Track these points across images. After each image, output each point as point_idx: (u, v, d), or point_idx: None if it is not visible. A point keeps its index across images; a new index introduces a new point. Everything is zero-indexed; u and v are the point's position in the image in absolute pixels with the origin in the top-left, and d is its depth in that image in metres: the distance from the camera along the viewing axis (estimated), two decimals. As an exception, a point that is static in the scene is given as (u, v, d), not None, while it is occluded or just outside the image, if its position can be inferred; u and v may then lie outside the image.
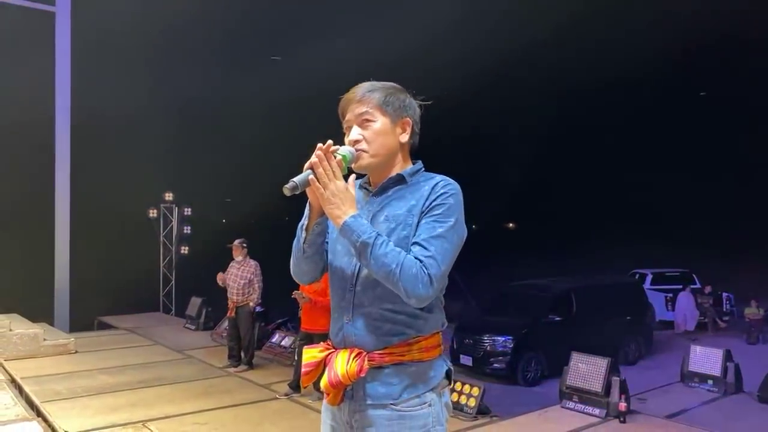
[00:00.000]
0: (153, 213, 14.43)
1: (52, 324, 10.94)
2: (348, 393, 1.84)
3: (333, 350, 1.87)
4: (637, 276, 16.45)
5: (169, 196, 14.53)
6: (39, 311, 10.81)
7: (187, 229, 14.61)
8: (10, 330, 8.58)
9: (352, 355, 1.78)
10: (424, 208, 1.79)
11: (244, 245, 8.28)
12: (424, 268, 1.68)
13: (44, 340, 8.86)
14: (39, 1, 11.54)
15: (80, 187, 12.10)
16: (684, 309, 14.45)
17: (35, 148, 12.33)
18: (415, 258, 1.69)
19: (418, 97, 1.97)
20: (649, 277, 16.37)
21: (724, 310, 15.21)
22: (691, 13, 17.14)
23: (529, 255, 24.52)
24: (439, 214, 1.76)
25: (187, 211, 14.65)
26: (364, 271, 1.81)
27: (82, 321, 11.95)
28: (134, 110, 14.90)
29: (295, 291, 6.51)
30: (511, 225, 44.56)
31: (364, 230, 1.70)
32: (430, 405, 1.81)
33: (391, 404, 1.79)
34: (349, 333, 1.83)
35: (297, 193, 1.73)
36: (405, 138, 1.89)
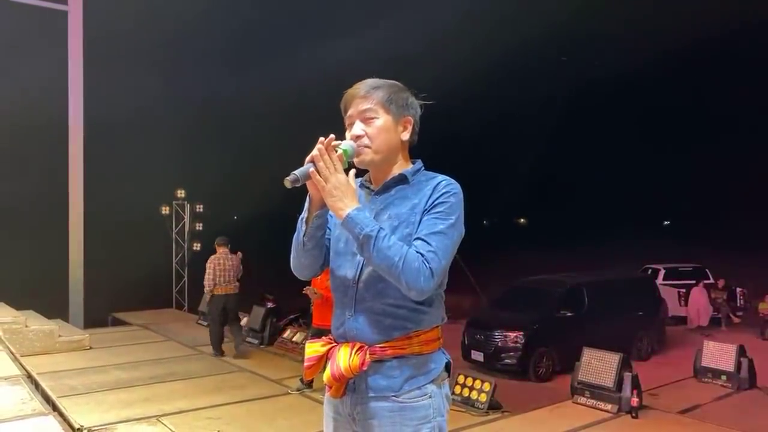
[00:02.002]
0: (165, 210, 14.51)
1: (66, 320, 11.04)
2: (350, 386, 1.87)
3: (335, 344, 1.91)
4: (649, 271, 16.32)
5: (181, 193, 14.60)
6: (54, 308, 10.93)
7: (199, 226, 14.70)
8: (26, 326, 8.68)
9: (354, 348, 1.82)
10: (426, 206, 1.82)
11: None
12: (426, 262, 1.71)
13: (59, 336, 8.96)
14: (51, 0, 11.61)
15: (93, 184, 12.19)
16: (697, 304, 14.33)
17: (49, 146, 12.44)
18: (417, 252, 1.72)
19: (419, 96, 1.99)
20: (662, 272, 16.25)
21: (738, 305, 15.05)
22: (698, 10, 17.01)
23: (541, 250, 24.45)
24: (441, 211, 1.80)
25: (199, 208, 14.72)
26: (367, 269, 1.84)
27: (96, 317, 12.06)
28: (146, 108, 15.01)
29: (307, 287, 6.53)
30: (522, 220, 44.45)
31: (367, 223, 1.73)
32: (430, 396, 1.85)
33: (393, 396, 1.83)
34: (350, 328, 1.86)
35: (297, 185, 1.75)
36: (406, 136, 1.92)
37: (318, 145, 1.74)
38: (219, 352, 8.96)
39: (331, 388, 1.89)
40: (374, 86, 1.89)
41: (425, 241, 1.75)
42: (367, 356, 1.80)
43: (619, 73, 22.23)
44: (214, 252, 9.12)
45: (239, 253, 9.35)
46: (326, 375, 1.86)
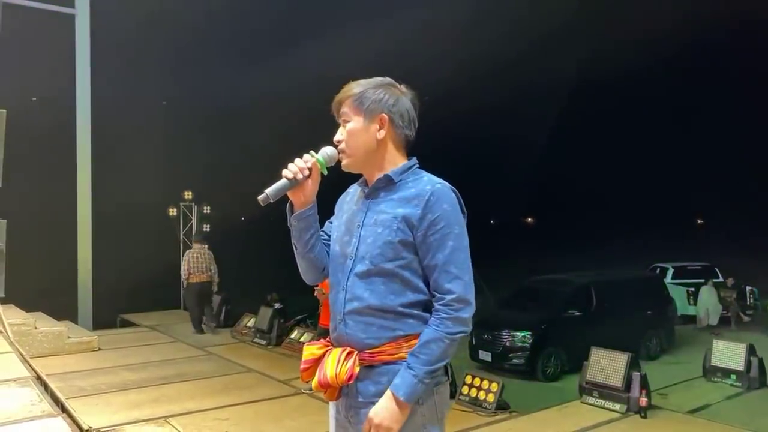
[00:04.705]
0: (173, 212, 14.55)
1: (75, 322, 11.10)
2: (344, 389, 1.87)
3: (331, 347, 1.90)
4: (658, 270, 16.22)
5: (188, 195, 14.63)
6: (63, 310, 10.98)
7: (206, 228, 14.72)
8: (36, 328, 8.73)
9: (343, 354, 1.82)
10: (417, 221, 1.79)
11: None
12: (453, 308, 1.76)
13: (68, 337, 9.01)
14: (59, 4, 11.67)
15: (101, 186, 12.24)
16: (706, 303, 14.24)
17: (57, 148, 12.50)
18: (439, 307, 1.78)
19: (410, 87, 1.94)
20: (671, 271, 16.14)
21: (748, 303, 14.94)
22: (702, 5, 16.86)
23: (549, 249, 24.38)
24: (443, 226, 1.77)
25: (207, 210, 14.75)
26: (356, 271, 1.84)
27: (104, 319, 12.11)
28: (153, 110, 15.05)
29: (317, 287, 6.54)
30: (529, 219, 44.29)
31: (409, 382, 1.75)
32: (419, 403, 1.81)
33: None
34: (341, 332, 1.86)
35: (271, 202, 1.82)
36: (382, 134, 1.86)
37: (296, 161, 1.83)
38: (199, 330, 10.64)
39: (324, 393, 1.88)
40: (351, 88, 1.87)
41: (444, 270, 1.77)
42: (356, 367, 1.79)
43: (630, 71, 22.06)
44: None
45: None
46: (314, 382, 1.85)
